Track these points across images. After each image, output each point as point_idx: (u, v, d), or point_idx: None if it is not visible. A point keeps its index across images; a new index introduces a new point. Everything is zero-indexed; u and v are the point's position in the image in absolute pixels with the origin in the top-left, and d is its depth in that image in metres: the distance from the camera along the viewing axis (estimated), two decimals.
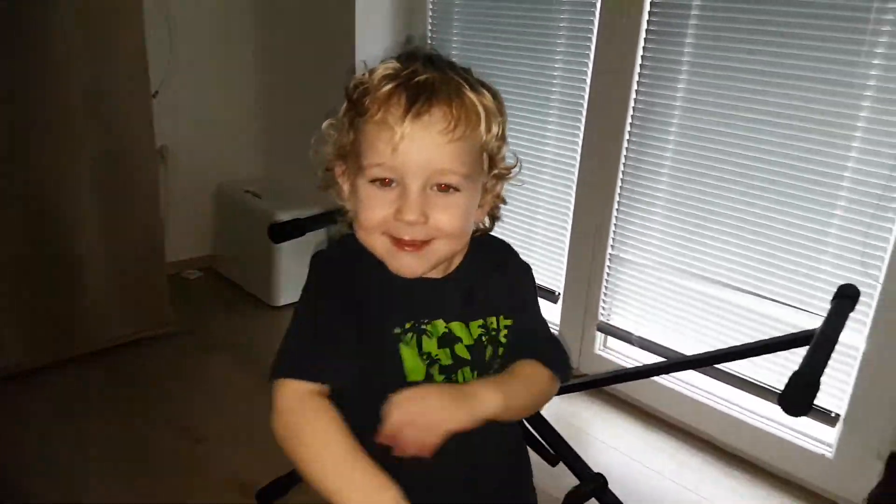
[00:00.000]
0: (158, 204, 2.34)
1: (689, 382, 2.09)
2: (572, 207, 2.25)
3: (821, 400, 1.84)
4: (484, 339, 0.82)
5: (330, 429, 0.69)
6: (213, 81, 2.83)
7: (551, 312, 2.39)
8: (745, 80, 1.80)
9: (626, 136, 2.07)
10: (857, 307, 1.69)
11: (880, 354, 1.71)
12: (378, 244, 0.77)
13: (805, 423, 1.89)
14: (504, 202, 0.86)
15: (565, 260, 2.31)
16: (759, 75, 1.77)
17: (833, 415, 1.83)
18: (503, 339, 0.83)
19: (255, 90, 2.96)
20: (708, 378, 2.05)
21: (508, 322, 0.84)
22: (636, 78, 2.01)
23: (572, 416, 2.13)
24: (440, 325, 0.80)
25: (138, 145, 2.22)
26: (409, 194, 0.73)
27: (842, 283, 1.39)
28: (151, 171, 2.29)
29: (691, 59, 1.90)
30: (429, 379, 0.78)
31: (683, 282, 2.05)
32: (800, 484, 1.88)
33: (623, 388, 2.19)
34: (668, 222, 2.05)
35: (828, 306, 1.34)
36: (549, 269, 2.38)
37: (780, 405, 1.08)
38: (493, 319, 0.83)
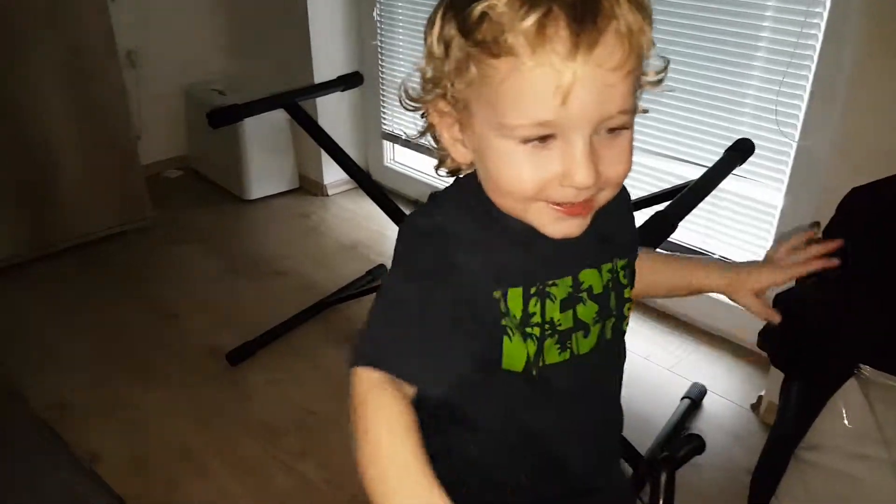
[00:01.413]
0: (127, 105, 2.43)
1: None
2: None
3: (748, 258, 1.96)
4: (610, 283, 0.70)
5: (394, 427, 0.57)
6: None
7: None
8: None
9: None
10: (776, 166, 1.79)
11: (795, 211, 1.80)
12: (531, 212, 0.61)
13: None
14: (644, 111, 0.64)
15: None
16: None
17: None
18: (624, 280, 0.72)
19: None
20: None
21: (624, 262, 0.72)
22: None
23: None
24: (565, 283, 0.66)
25: (99, 50, 2.30)
26: (577, 152, 0.56)
27: (761, 143, 1.45)
28: (115, 74, 2.38)
29: None
30: (538, 352, 0.65)
31: None
32: (735, 342, 2.01)
33: None
34: None
35: (751, 168, 1.40)
36: None
37: None
38: (617, 261, 0.71)
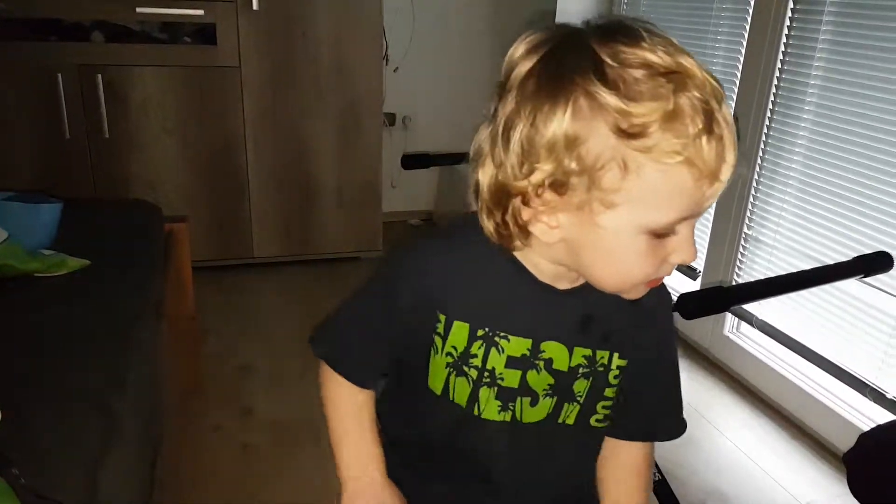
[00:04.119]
0: (381, 158, 2.96)
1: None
2: None
3: None
4: (582, 369, 0.71)
5: (350, 411, 0.78)
6: (451, 56, 3.31)
7: (689, 289, 2.44)
8: (884, 60, 1.72)
9: (768, 114, 2.08)
10: None
11: None
12: (630, 293, 0.64)
13: None
14: None
15: (707, 238, 2.35)
16: None
17: None
18: (613, 380, 0.73)
19: (492, 62, 3.25)
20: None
21: (623, 363, 0.73)
22: (779, 56, 2.02)
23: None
24: (521, 343, 0.69)
25: (367, 108, 2.88)
26: (689, 235, 0.60)
27: None
28: (376, 131, 2.92)
29: (830, 38, 1.87)
30: (473, 397, 0.71)
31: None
32: None
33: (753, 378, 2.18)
34: (801, 203, 2.00)
35: None
36: None
37: (677, 308, 1.18)
38: (605, 355, 0.72)
